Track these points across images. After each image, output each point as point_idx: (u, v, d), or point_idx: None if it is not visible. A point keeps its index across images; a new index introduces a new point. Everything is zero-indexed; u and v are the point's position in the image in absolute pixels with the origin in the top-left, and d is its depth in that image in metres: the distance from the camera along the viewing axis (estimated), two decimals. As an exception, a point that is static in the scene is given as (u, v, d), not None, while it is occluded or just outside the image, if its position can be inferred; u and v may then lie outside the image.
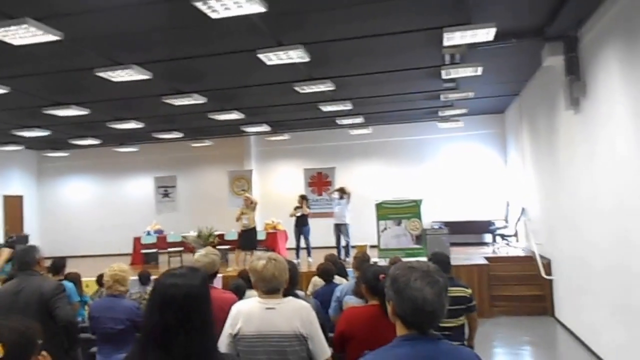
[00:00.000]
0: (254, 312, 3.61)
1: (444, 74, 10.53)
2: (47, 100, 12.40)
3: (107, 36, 8.36)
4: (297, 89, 11.38)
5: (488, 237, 16.96)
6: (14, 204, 21.10)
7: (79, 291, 8.24)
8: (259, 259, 3.78)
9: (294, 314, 3.58)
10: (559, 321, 11.19)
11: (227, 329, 3.61)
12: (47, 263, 8.53)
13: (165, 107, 12.77)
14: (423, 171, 18.85)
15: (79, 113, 13.06)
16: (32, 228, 21.43)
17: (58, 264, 8.51)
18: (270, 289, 3.67)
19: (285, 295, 3.79)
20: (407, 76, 11.52)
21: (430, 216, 16.59)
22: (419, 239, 12.99)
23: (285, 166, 20.50)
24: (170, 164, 21.23)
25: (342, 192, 15.16)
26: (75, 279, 8.42)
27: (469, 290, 5.66)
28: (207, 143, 19.53)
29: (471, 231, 17.51)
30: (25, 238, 18.85)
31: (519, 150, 15.34)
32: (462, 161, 18.63)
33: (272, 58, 8.74)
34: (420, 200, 13.29)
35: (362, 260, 6.51)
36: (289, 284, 4.07)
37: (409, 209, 13.15)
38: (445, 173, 18.65)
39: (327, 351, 3.62)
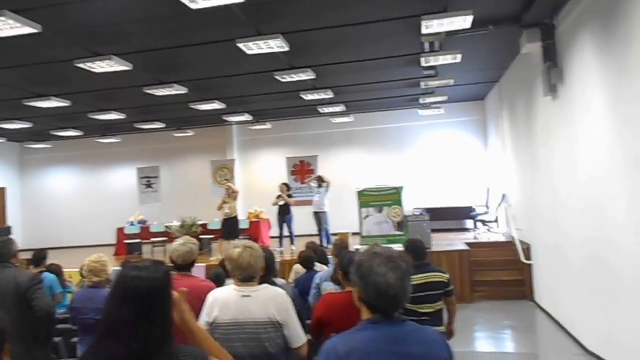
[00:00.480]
0: (230, 300, 3.65)
1: (424, 62, 10.59)
2: (28, 92, 12.33)
3: (86, 27, 8.33)
4: (278, 78, 11.38)
5: (470, 223, 17.15)
6: None
7: (61, 282, 8.24)
8: (235, 248, 3.81)
9: (270, 301, 3.62)
10: (538, 305, 11.36)
11: (204, 317, 3.65)
12: (30, 255, 8.57)
13: (146, 97, 12.73)
14: (405, 158, 18.97)
15: (60, 105, 13.01)
16: (16, 220, 21.36)
17: (39, 256, 8.50)
18: (246, 277, 3.71)
19: (262, 282, 3.84)
20: (387, 64, 11.57)
21: (412, 203, 16.71)
22: (400, 225, 13.08)
23: (268, 155, 20.53)
24: (153, 155, 21.19)
25: (321, 180, 15.23)
26: (57, 270, 8.41)
27: (447, 275, 5.66)
28: (189, 133, 19.48)
29: (453, 217, 17.67)
30: (7, 230, 18.79)
31: (500, 137, 15.47)
32: (443, 148, 18.78)
33: (252, 48, 8.76)
34: (401, 188, 13.37)
35: (340, 247, 6.57)
36: (265, 271, 4.14)
37: (390, 196, 13.22)
38: (427, 160, 18.80)
39: (303, 338, 3.68)
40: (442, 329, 5.56)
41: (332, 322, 3.99)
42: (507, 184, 14.36)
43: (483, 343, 9.94)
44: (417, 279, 5.41)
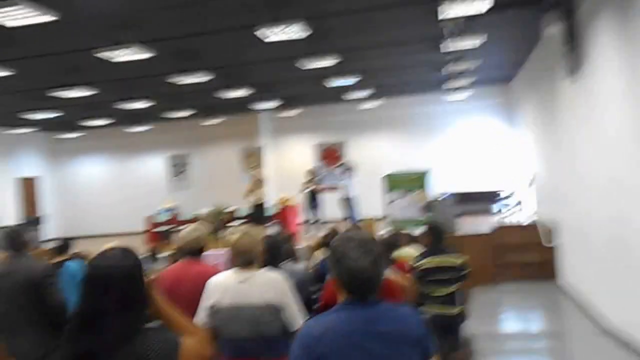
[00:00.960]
0: (228, 285, 3.76)
1: (444, 47, 10.65)
2: (52, 82, 12.40)
3: (104, 16, 8.36)
4: (300, 64, 11.49)
5: (496, 207, 17.11)
6: (30, 187, 21.39)
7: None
8: (233, 234, 3.92)
9: (267, 286, 3.73)
10: (562, 286, 11.39)
11: (204, 302, 3.77)
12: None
13: (170, 86, 12.84)
14: (432, 143, 19.06)
15: (84, 94, 13.05)
16: (49, 209, 21.79)
17: (63, 245, 8.68)
18: (244, 262, 3.81)
19: (268, 266, 4.00)
20: (408, 50, 11.66)
21: (439, 187, 16.77)
22: (425, 209, 13.18)
23: (296, 141, 20.74)
24: (183, 143, 21.49)
25: (346, 166, 15.37)
26: (82, 258, 8.63)
27: (461, 260, 5.78)
28: (218, 121, 19.77)
29: (479, 201, 17.66)
30: (36, 220, 19.15)
31: (525, 120, 15.44)
32: (470, 132, 18.82)
33: (269, 35, 8.75)
34: (427, 172, 13.46)
35: (333, 236, 6.69)
36: (270, 256, 4.31)
37: (416, 181, 13.31)
38: (454, 144, 18.89)
39: (301, 320, 3.74)
40: (456, 310, 5.71)
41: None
42: (532, 167, 14.34)
43: (508, 323, 10.11)
44: (434, 261, 5.63)
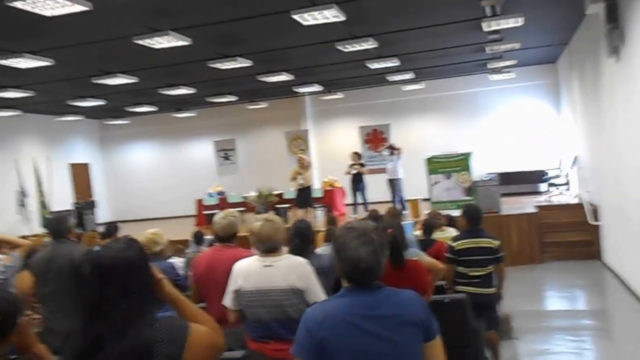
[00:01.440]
0: (252, 269, 3.95)
1: (485, 26, 10.65)
2: (94, 70, 12.64)
3: (139, 3, 8.49)
4: (340, 48, 11.55)
5: (543, 187, 17.07)
6: (81, 172, 21.97)
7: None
8: (256, 221, 4.09)
9: (290, 270, 3.88)
10: (606, 265, 11.40)
11: (230, 286, 3.99)
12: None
13: (212, 71, 12.94)
14: (477, 124, 18.96)
15: (127, 81, 13.33)
16: (101, 194, 22.43)
17: (109, 228, 9.06)
18: (267, 248, 3.98)
19: (298, 253, 4.20)
20: (449, 30, 11.60)
21: (485, 168, 16.82)
22: (469, 190, 13.24)
23: (341, 124, 20.83)
24: (229, 127, 21.73)
25: (392, 148, 15.49)
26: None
27: (497, 242, 5.90)
28: (263, 105, 19.99)
29: (526, 181, 17.68)
30: (91, 204, 19.65)
31: (570, 100, 15.30)
32: (515, 112, 18.67)
33: (307, 18, 8.84)
34: (470, 154, 13.48)
35: (392, 215, 6.92)
36: (300, 241, 4.57)
37: (459, 162, 13.37)
38: (500, 125, 18.74)
39: None
40: (492, 290, 5.89)
41: None
42: (578, 147, 14.26)
43: (552, 301, 10.23)
44: (469, 242, 5.82)
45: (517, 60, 15.68)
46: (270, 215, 4.26)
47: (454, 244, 5.88)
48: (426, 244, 6.70)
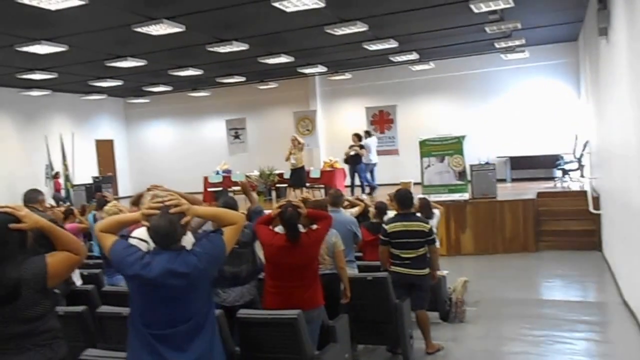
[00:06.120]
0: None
1: (475, 8, 10.31)
2: (104, 54, 13.45)
3: None
4: (329, 31, 11.57)
5: (559, 173, 16.31)
6: (106, 147, 23.45)
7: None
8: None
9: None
10: (605, 256, 10.93)
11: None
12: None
13: (213, 54, 13.33)
14: (489, 105, 18.39)
15: (137, 64, 14.14)
16: (123, 168, 23.93)
17: (100, 202, 9.18)
18: None
19: None
20: (440, 12, 11.35)
21: (496, 151, 16.37)
22: (461, 175, 12.84)
23: (348, 105, 20.64)
24: (240, 107, 21.80)
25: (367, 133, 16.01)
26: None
27: (428, 226, 6.28)
28: (273, 85, 20.03)
29: (539, 166, 17.06)
30: (109, 178, 20.79)
31: (585, 81, 14.62)
32: (531, 93, 17.93)
33: (288, 5, 9.09)
34: (463, 137, 13.02)
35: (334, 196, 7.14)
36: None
37: (452, 146, 12.93)
38: (513, 106, 18.04)
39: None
40: (423, 272, 6.25)
41: None
42: (588, 131, 13.66)
43: (530, 290, 9.74)
44: (399, 226, 6.21)
45: (524, 39, 14.96)
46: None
47: (387, 227, 6.27)
48: (377, 227, 7.01)
